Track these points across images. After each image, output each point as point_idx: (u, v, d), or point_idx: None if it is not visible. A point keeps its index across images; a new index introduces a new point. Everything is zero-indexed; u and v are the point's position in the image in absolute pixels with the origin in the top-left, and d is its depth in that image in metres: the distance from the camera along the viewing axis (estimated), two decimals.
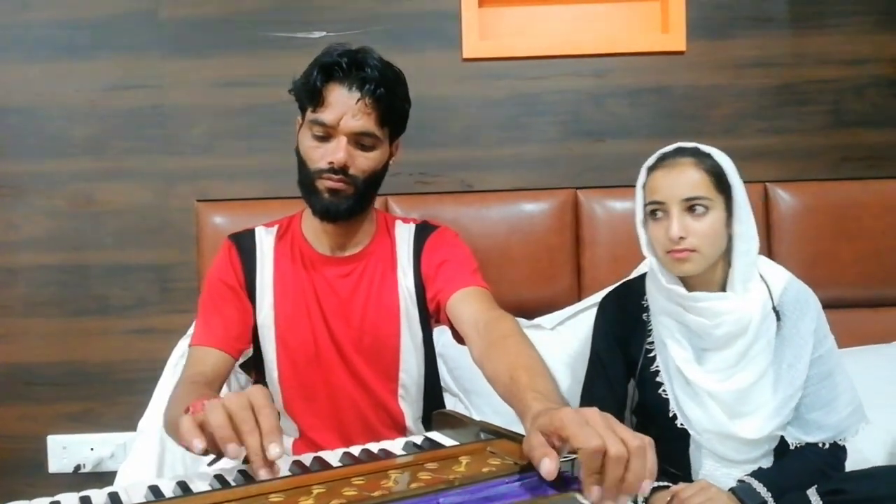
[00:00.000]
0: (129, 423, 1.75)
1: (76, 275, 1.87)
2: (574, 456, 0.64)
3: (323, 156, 1.16)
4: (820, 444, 1.20)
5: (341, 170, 1.15)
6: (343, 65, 1.14)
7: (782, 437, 1.22)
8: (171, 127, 1.85)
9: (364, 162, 1.17)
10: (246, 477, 0.69)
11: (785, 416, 1.19)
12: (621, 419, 1.32)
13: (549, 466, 0.61)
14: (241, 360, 1.25)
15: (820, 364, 1.21)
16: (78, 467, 1.87)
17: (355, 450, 0.79)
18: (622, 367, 1.32)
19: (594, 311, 1.40)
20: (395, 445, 0.79)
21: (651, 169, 1.23)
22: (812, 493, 1.13)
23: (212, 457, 0.73)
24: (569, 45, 1.85)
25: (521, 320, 1.56)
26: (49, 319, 1.87)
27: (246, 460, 0.70)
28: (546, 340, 1.58)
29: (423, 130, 1.78)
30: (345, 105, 1.14)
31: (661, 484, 1.20)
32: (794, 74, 1.86)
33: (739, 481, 1.16)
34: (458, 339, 1.17)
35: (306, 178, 1.19)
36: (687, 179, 1.17)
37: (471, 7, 1.82)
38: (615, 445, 0.60)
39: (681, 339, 1.22)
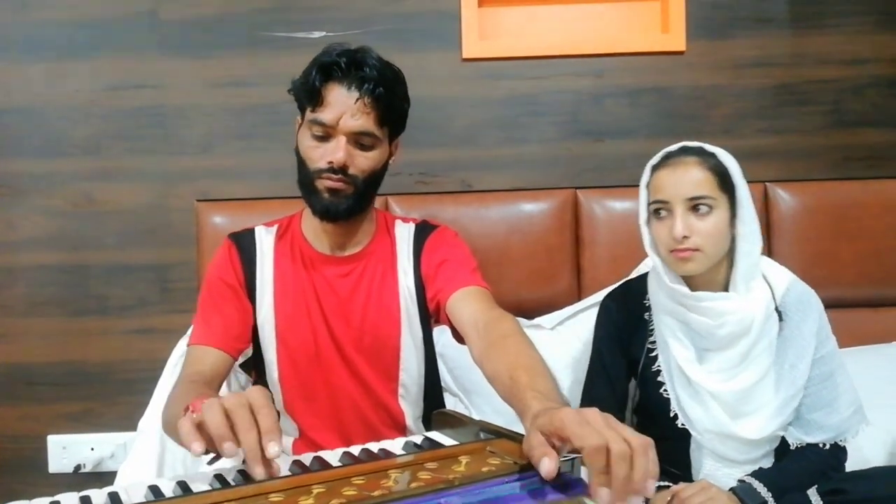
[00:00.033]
0: (129, 423, 1.75)
1: (76, 275, 1.87)
2: (574, 455, 0.64)
3: (322, 155, 1.16)
4: (820, 445, 1.20)
5: (341, 169, 1.15)
6: (342, 64, 1.14)
7: (783, 438, 1.22)
8: (171, 127, 1.85)
9: (364, 161, 1.17)
10: (246, 477, 0.69)
11: (786, 416, 1.19)
12: (622, 419, 1.32)
13: (548, 466, 0.61)
14: (240, 361, 1.26)
15: (821, 365, 1.21)
16: (78, 467, 1.87)
17: (355, 449, 0.79)
18: (623, 367, 1.32)
19: (594, 311, 1.39)
20: (395, 445, 0.79)
21: (655, 168, 1.22)
22: (812, 493, 1.13)
23: (212, 455, 0.73)
24: (568, 45, 1.85)
25: (521, 320, 1.55)
26: (49, 319, 1.87)
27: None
28: (546, 340, 1.58)
29: (423, 130, 1.78)
30: (344, 105, 1.14)
31: (662, 484, 1.20)
32: (794, 74, 1.86)
33: (740, 481, 1.16)
34: (458, 338, 1.17)
35: (306, 178, 1.19)
36: (691, 179, 1.17)
37: (471, 7, 1.82)
38: (617, 443, 0.60)
39: (683, 339, 1.22)
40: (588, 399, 1.33)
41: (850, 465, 1.23)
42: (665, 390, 1.24)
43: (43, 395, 1.88)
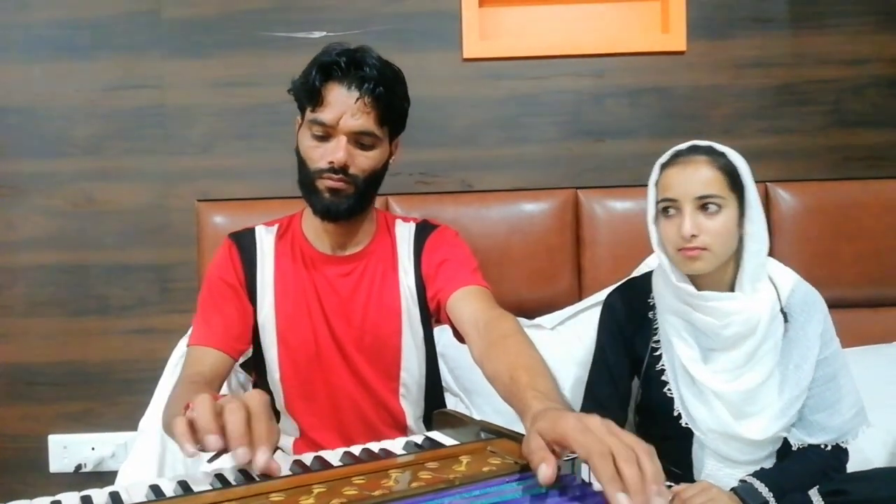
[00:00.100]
0: (129, 422, 1.75)
1: (76, 275, 1.87)
2: (575, 455, 0.64)
3: (323, 155, 1.16)
4: (822, 446, 1.20)
5: (341, 169, 1.15)
6: (342, 64, 1.14)
7: (785, 439, 1.22)
8: (171, 127, 1.85)
9: (364, 161, 1.17)
10: (247, 476, 0.69)
11: (790, 417, 1.19)
12: (624, 417, 1.33)
13: (545, 473, 0.60)
14: (240, 361, 1.25)
15: (825, 366, 1.21)
16: (79, 467, 1.88)
17: (356, 449, 0.79)
18: (627, 365, 1.32)
19: (595, 311, 1.39)
20: (396, 445, 0.79)
21: (664, 166, 1.22)
22: (814, 493, 1.13)
23: (212, 453, 0.73)
24: (569, 45, 1.85)
25: (522, 320, 1.55)
26: (49, 319, 1.87)
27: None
28: (546, 340, 1.58)
29: (423, 130, 1.78)
30: (344, 104, 1.14)
31: (664, 483, 1.20)
32: (794, 74, 1.86)
33: (741, 481, 1.16)
34: (459, 338, 1.17)
35: (306, 178, 1.19)
36: (701, 177, 1.17)
37: (471, 7, 1.82)
38: (621, 447, 0.60)
39: (687, 338, 1.22)
40: (591, 397, 1.34)
41: (852, 466, 1.23)
42: (669, 389, 1.24)
43: (43, 395, 1.88)
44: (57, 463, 1.89)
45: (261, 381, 1.30)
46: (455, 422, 0.84)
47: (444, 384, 1.51)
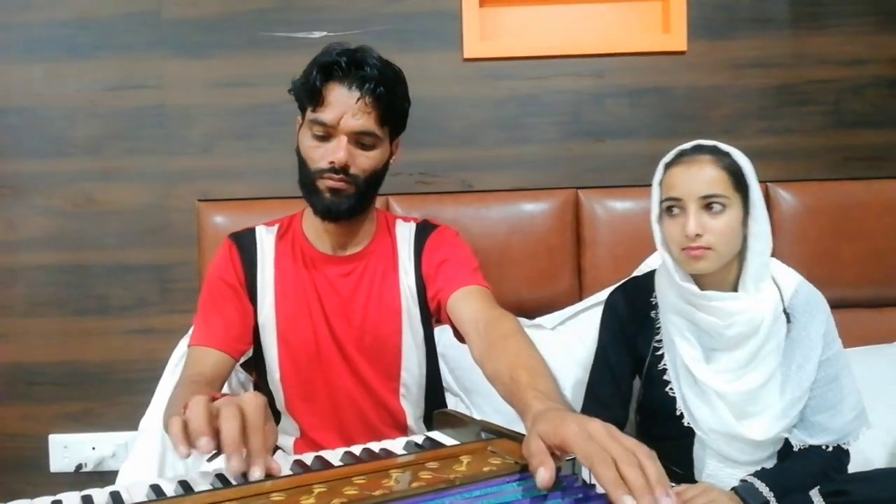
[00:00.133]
0: (129, 422, 1.75)
1: (76, 275, 1.87)
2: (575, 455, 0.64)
3: (323, 155, 1.16)
4: (823, 447, 1.20)
5: (342, 169, 1.15)
6: (342, 64, 1.14)
7: (786, 440, 1.22)
8: (171, 127, 1.85)
9: (364, 161, 1.17)
10: (247, 477, 0.69)
11: (792, 417, 1.19)
12: (626, 416, 1.32)
13: (544, 477, 0.60)
14: (241, 361, 1.25)
15: (827, 367, 1.20)
16: (79, 466, 1.88)
17: (356, 449, 0.79)
18: (628, 364, 1.31)
19: (595, 311, 1.39)
20: (396, 445, 0.79)
21: (669, 165, 1.22)
22: (815, 493, 1.13)
23: (212, 452, 0.73)
24: (569, 45, 1.85)
25: (522, 320, 1.55)
26: (49, 319, 1.87)
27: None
28: (547, 340, 1.58)
29: (423, 130, 1.78)
30: (345, 104, 1.14)
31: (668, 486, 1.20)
32: (794, 74, 1.86)
33: (742, 481, 1.15)
34: (459, 338, 1.17)
35: (307, 178, 1.19)
36: (705, 177, 1.16)
37: (471, 7, 1.82)
38: (621, 451, 0.59)
39: (690, 338, 1.22)
40: (592, 397, 1.33)
41: (852, 466, 1.23)
42: (671, 389, 1.24)
43: (43, 395, 1.88)
44: (57, 463, 1.89)
45: (261, 381, 1.30)
46: (455, 422, 0.84)
47: (444, 384, 1.51)
